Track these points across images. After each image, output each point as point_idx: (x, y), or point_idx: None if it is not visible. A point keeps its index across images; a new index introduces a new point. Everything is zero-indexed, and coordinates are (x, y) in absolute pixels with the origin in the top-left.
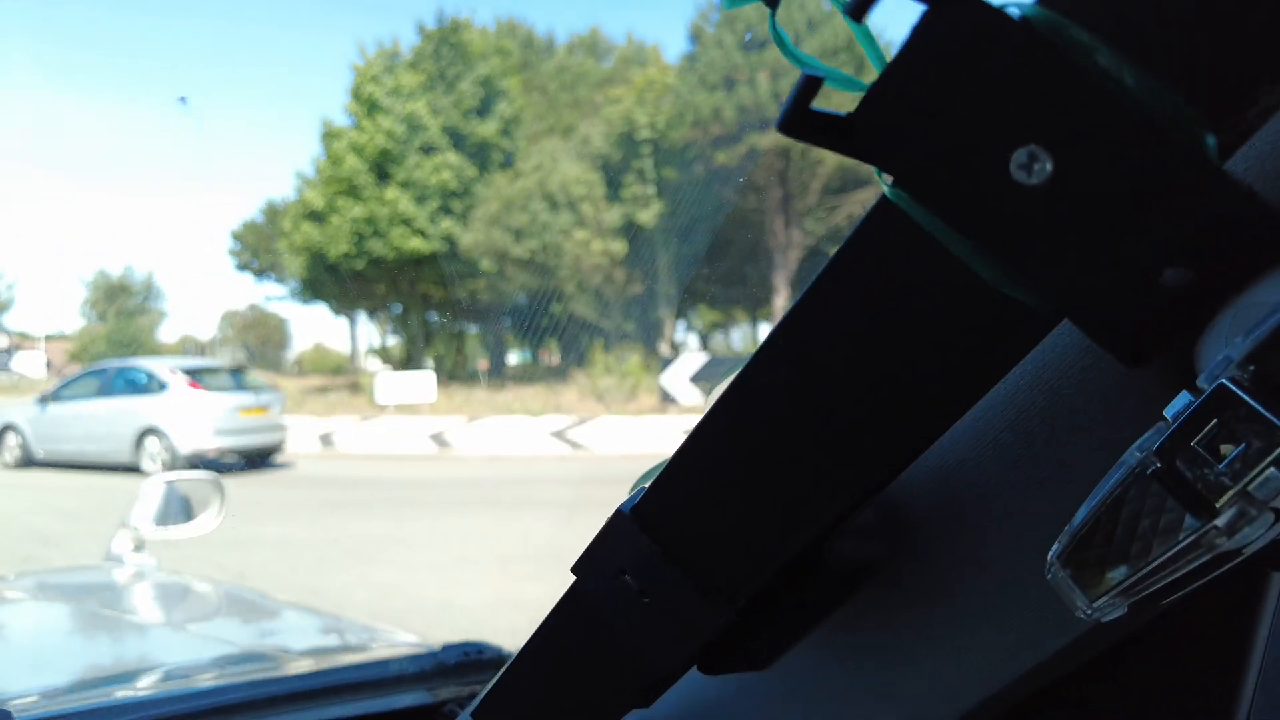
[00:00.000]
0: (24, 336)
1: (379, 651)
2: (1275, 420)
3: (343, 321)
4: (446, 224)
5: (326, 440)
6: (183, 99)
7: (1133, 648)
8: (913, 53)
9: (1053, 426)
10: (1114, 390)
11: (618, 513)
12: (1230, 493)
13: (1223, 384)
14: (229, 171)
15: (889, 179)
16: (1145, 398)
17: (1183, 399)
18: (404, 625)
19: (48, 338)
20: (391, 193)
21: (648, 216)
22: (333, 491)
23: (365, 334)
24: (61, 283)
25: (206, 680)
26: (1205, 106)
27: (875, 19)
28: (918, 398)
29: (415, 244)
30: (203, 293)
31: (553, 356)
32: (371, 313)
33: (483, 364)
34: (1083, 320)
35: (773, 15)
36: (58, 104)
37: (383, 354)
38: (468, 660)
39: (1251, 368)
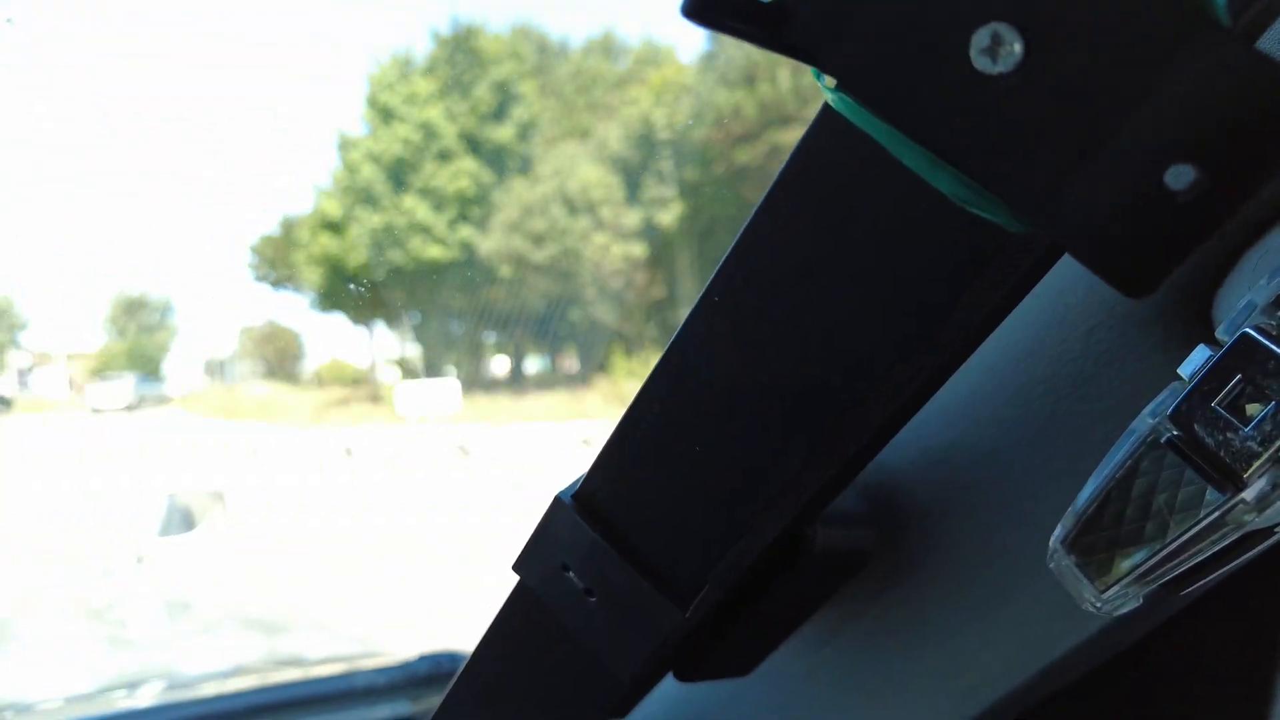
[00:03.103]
0: (44, 355)
1: (355, 663)
2: None
3: (361, 332)
4: (465, 231)
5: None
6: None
7: (1154, 646)
8: None
9: (1058, 397)
10: (1127, 352)
11: (556, 500)
12: (1261, 460)
13: (1246, 333)
14: (244, 185)
15: (831, 82)
16: (1163, 357)
17: (1200, 354)
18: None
19: (68, 356)
20: (409, 201)
21: (668, 218)
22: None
23: (384, 344)
24: (80, 300)
25: (172, 694)
26: None
27: None
28: (878, 348)
29: (434, 252)
30: (220, 308)
31: (572, 363)
32: (390, 322)
33: (502, 371)
34: (1068, 241)
35: None
36: (68, 117)
37: (402, 364)
38: (441, 671)
39: (1279, 313)
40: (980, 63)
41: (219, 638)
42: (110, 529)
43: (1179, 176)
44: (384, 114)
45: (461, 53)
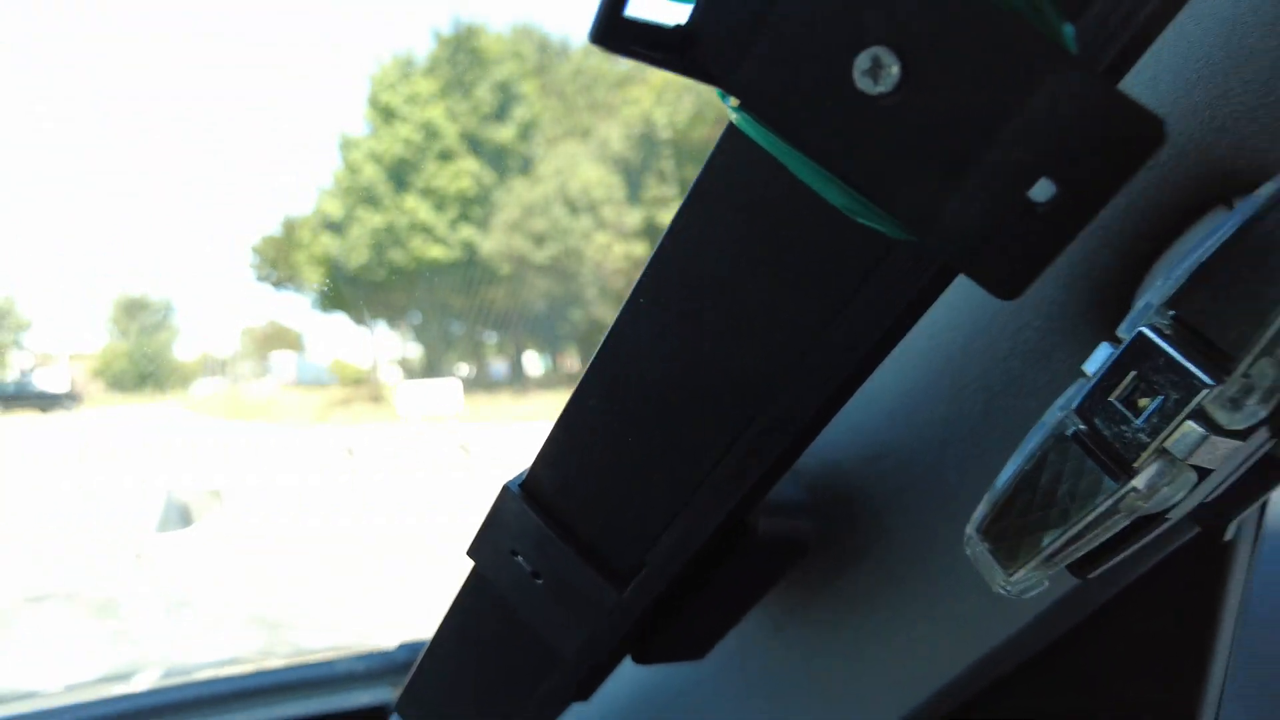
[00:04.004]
0: (46, 355)
1: (334, 652)
2: (1193, 369)
3: (363, 332)
4: (466, 231)
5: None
6: None
7: (1088, 635)
8: None
9: (989, 395)
10: (1052, 350)
11: (504, 489)
12: (1149, 450)
13: (1141, 332)
14: (245, 186)
15: (734, 101)
16: (1085, 355)
17: (1103, 352)
18: None
19: (70, 356)
20: (410, 201)
21: (669, 218)
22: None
23: (386, 343)
24: (82, 300)
25: (157, 680)
26: None
27: None
28: (784, 348)
29: (435, 252)
30: (221, 308)
31: (573, 362)
32: (391, 322)
33: (502, 371)
34: (945, 249)
35: None
36: (70, 116)
37: (403, 364)
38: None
39: (1171, 313)
40: (863, 84)
41: (216, 634)
42: (109, 525)
43: (1040, 190)
44: (385, 114)
45: (463, 52)
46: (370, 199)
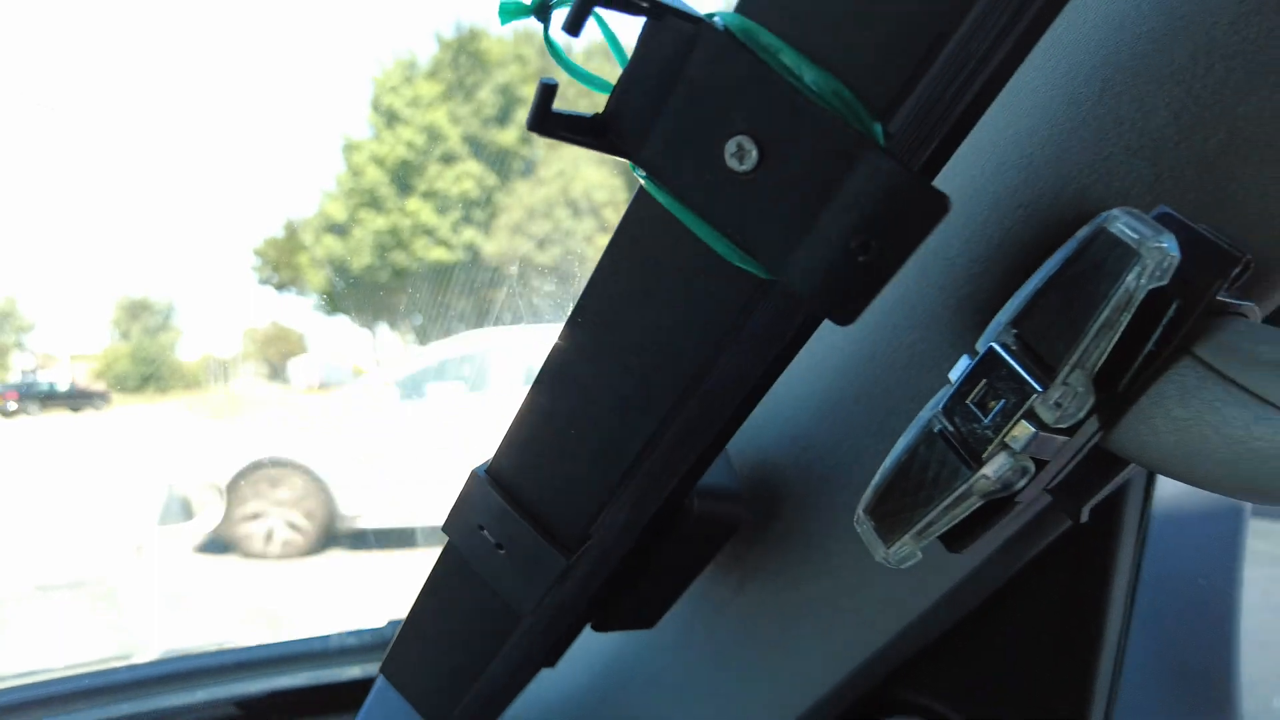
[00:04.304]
0: (48, 356)
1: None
2: (1027, 378)
3: (364, 334)
4: (469, 233)
5: None
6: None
7: (996, 611)
8: (639, 59)
9: (890, 398)
10: (940, 360)
11: (473, 473)
12: (993, 445)
13: (991, 347)
14: (247, 188)
15: (643, 171)
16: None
17: (964, 362)
18: None
19: (72, 357)
20: (413, 204)
21: None
22: None
23: (387, 345)
24: (83, 302)
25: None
26: (872, 100)
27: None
28: (690, 359)
29: (438, 254)
30: (223, 309)
31: None
32: (393, 324)
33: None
34: (797, 288)
35: (546, 29)
36: (72, 117)
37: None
38: None
39: (1014, 332)
40: (731, 163)
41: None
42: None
43: (862, 246)
44: (388, 117)
45: (465, 56)
46: (374, 201)
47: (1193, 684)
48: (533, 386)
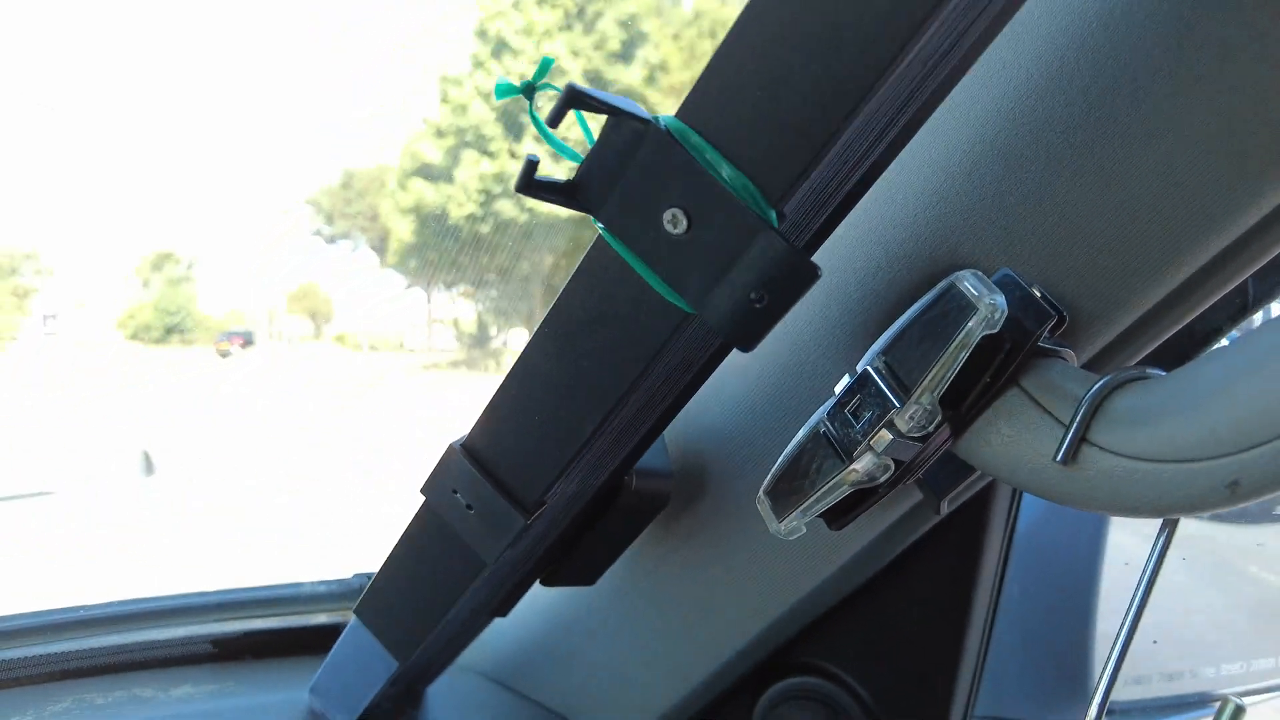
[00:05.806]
0: (78, 302)
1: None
2: (890, 395)
3: (417, 294)
4: None
5: None
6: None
7: (891, 578)
8: (603, 144)
9: (800, 401)
10: (831, 376)
11: (450, 446)
12: (861, 446)
13: (866, 369)
14: (295, 135)
15: (601, 224)
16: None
17: (846, 379)
18: None
19: (95, 306)
20: (525, 147)
21: None
22: None
23: (443, 307)
24: (106, 250)
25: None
26: (771, 191)
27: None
28: (631, 365)
29: (549, 206)
30: (257, 262)
31: None
32: (449, 285)
33: None
34: (712, 323)
35: (531, 106)
36: (111, 63)
37: (455, 325)
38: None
39: (884, 359)
40: (668, 227)
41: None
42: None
43: (757, 297)
44: (496, 46)
45: None
46: (478, 140)
47: (1055, 643)
48: (506, 378)
